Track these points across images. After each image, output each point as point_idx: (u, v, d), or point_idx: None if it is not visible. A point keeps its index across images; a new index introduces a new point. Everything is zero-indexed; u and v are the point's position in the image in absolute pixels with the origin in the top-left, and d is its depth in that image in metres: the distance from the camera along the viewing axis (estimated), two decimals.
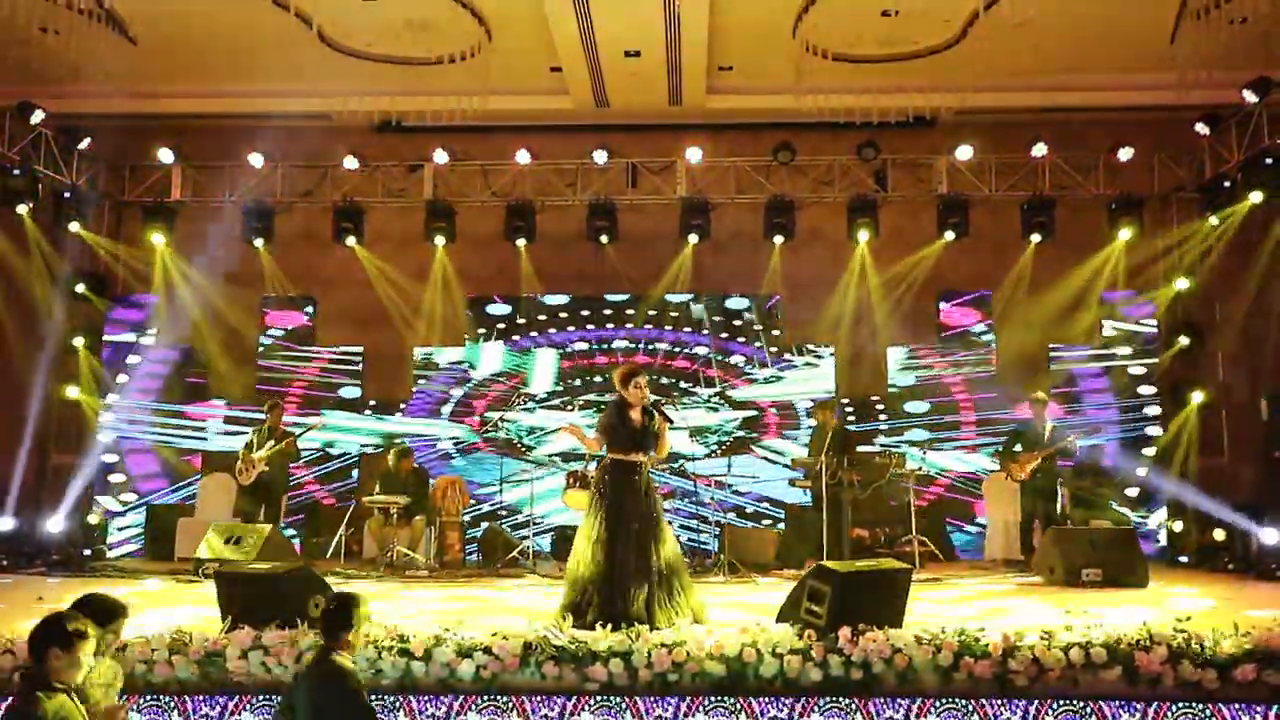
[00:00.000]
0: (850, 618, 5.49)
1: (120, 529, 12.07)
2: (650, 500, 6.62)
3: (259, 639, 5.44)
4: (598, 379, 12.43)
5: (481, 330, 12.65)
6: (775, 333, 12.48)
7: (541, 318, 12.65)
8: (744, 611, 6.95)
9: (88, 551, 10.97)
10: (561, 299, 12.67)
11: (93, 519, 11.43)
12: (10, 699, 4.01)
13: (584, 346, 12.58)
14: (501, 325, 12.65)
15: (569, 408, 12.36)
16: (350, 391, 12.59)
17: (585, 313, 12.64)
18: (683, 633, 5.62)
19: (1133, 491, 11.73)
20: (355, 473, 12.40)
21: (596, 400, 12.18)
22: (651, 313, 12.51)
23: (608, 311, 12.62)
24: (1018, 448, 10.16)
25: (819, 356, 12.41)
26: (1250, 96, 10.15)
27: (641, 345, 12.53)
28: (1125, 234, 11.77)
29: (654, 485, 6.75)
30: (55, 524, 11.08)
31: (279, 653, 5.38)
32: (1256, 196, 10.68)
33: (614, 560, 6.38)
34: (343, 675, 4.48)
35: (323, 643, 4.63)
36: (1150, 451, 11.91)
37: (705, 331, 12.48)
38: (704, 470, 11.43)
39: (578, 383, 12.49)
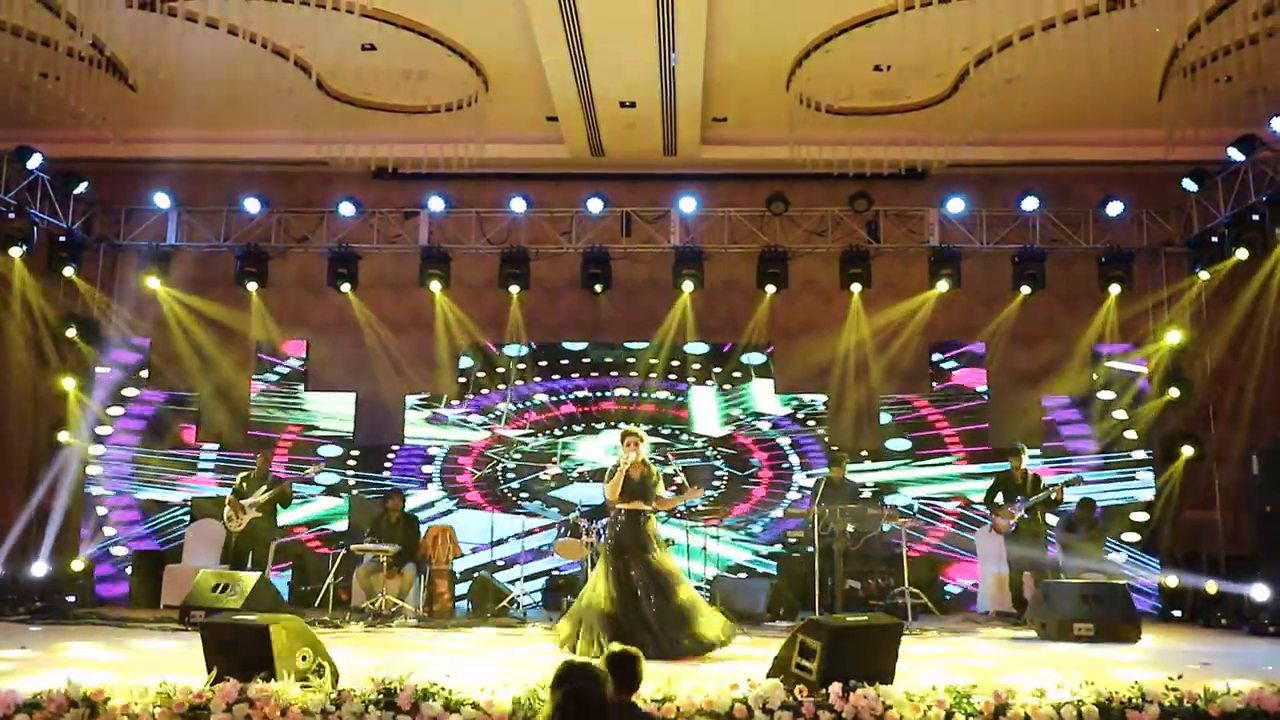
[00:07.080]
0: (841, 673, 5.45)
1: (106, 576, 11.94)
2: (651, 547, 7.61)
3: (244, 692, 5.36)
4: (599, 425, 12.42)
5: (466, 379, 12.62)
6: (769, 381, 12.50)
7: (565, 362, 12.64)
8: (735, 664, 6.88)
9: (72, 598, 10.89)
10: (576, 345, 12.69)
11: (78, 565, 11.32)
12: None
13: (587, 394, 12.55)
14: (520, 367, 12.63)
15: (556, 459, 12.33)
16: (340, 438, 12.53)
17: (591, 360, 12.65)
18: (672, 687, 5.55)
19: (1125, 543, 11.69)
20: (342, 510, 12.30)
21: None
22: (652, 361, 12.51)
23: (609, 360, 12.65)
24: (999, 498, 10.13)
25: (811, 405, 12.40)
26: (1236, 155, 10.25)
27: (639, 394, 12.52)
28: (1115, 288, 11.86)
29: (655, 533, 7.79)
30: (39, 570, 10.98)
31: (263, 705, 5.29)
32: (1243, 253, 10.77)
33: (616, 602, 7.31)
34: None
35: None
36: (1142, 504, 11.89)
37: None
38: (697, 520, 11.38)
39: (579, 428, 12.46)
